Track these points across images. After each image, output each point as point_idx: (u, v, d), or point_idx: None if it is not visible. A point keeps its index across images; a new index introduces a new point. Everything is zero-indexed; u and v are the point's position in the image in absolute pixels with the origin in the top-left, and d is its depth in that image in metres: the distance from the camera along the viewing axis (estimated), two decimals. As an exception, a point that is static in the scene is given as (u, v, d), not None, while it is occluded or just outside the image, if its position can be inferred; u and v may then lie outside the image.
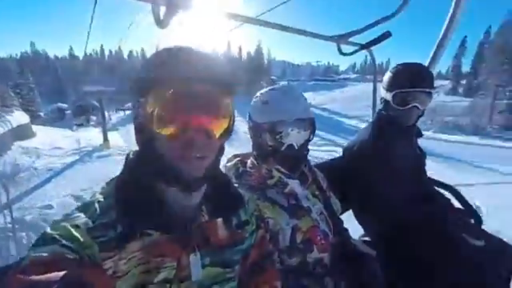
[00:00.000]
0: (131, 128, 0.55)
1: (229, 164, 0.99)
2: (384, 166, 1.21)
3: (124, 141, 12.54)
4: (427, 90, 1.19)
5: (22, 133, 10.30)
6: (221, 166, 0.66)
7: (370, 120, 1.49)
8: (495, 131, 17.13)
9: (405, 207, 1.19)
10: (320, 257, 0.89)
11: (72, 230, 0.44)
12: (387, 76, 1.28)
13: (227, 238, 0.61)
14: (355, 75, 68.50)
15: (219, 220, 0.60)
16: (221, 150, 0.56)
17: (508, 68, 19.05)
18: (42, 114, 25.21)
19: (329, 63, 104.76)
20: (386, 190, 1.20)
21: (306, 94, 0.98)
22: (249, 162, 0.98)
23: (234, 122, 0.55)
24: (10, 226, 3.36)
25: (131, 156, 0.57)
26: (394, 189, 1.20)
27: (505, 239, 1.19)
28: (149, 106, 0.47)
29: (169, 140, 0.47)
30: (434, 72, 1.52)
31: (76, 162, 7.54)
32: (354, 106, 27.54)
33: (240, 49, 55.55)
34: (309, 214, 0.91)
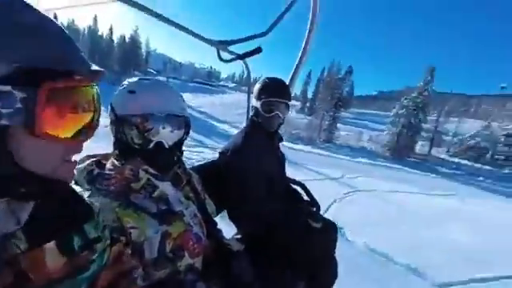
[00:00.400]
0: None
1: (79, 166, 0.78)
2: (253, 167, 1.34)
3: None
4: (287, 101, 1.44)
5: None
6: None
7: (243, 125, 1.63)
8: (321, 143, 23.76)
9: (271, 205, 1.37)
10: (192, 262, 0.84)
11: None
12: (257, 87, 1.47)
13: (63, 266, 0.44)
14: (233, 84, 74.72)
15: (49, 245, 0.43)
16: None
17: (330, 99, 27.04)
18: None
19: (211, 67, 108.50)
20: (256, 188, 1.34)
21: (185, 96, 0.92)
22: (108, 163, 0.82)
23: (98, 116, 0.44)
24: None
25: None
26: (263, 188, 1.37)
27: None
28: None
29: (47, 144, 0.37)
30: (292, 92, 1.82)
31: None
32: (229, 113, 30.08)
33: (111, 29, 47.40)
34: (181, 219, 0.84)
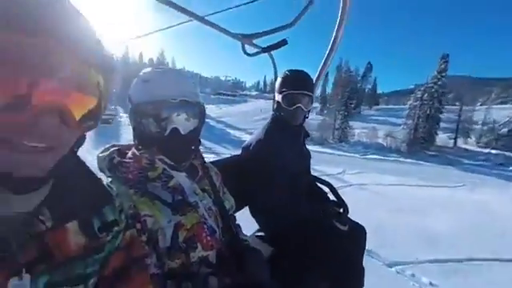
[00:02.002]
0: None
1: (102, 154, 0.82)
2: (275, 162, 1.29)
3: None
4: (310, 93, 1.35)
5: None
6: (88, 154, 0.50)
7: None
8: (334, 142, 23.96)
9: (295, 203, 1.31)
10: (205, 255, 0.83)
11: None
12: (278, 80, 1.41)
13: (83, 246, 0.46)
14: (256, 92, 76.90)
15: (72, 224, 0.44)
16: (81, 140, 0.42)
17: (340, 98, 27.17)
18: None
19: (235, 79, 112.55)
20: (279, 185, 1.29)
21: (207, 108, 0.92)
22: (130, 152, 0.85)
23: (105, 105, 0.41)
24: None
25: None
26: (285, 184, 1.31)
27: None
28: None
29: None
30: (318, 87, 1.77)
31: None
32: (246, 120, 31.42)
33: (141, 55, 53.25)
34: (195, 210, 0.84)
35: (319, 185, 1.66)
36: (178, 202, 0.82)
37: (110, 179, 0.78)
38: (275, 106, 1.47)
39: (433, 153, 21.43)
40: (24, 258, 0.38)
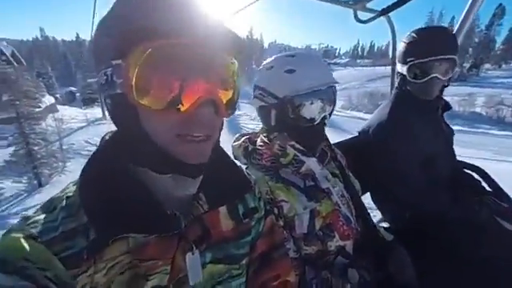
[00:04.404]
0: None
1: (236, 143, 0.88)
2: (406, 146, 1.09)
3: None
4: (451, 56, 1.03)
5: (51, 109, 15.84)
6: (224, 145, 0.54)
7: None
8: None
9: (432, 192, 1.09)
10: (342, 244, 0.79)
11: (24, 244, 0.33)
12: (401, 46, 1.13)
13: (232, 229, 0.51)
14: (346, 59, 70.74)
15: (222, 209, 0.50)
16: (222, 126, 0.45)
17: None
18: (58, 96, 30.73)
19: (327, 46, 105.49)
20: (411, 172, 1.10)
21: None
22: (258, 139, 0.87)
23: (239, 94, 0.44)
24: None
25: (106, 138, 0.46)
26: (420, 171, 1.10)
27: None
28: (131, 68, 0.33)
29: (160, 115, 0.35)
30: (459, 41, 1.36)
31: (86, 126, 12.83)
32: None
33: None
34: (329, 197, 0.81)
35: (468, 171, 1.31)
36: (311, 188, 0.80)
37: (245, 166, 0.82)
38: (399, 79, 1.19)
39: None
40: (192, 235, 0.44)
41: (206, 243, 0.46)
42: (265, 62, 0.86)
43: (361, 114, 17.91)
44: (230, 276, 0.49)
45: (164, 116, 0.36)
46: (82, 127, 13.30)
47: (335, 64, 63.53)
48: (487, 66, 35.69)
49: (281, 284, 0.58)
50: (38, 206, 0.41)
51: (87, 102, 25.05)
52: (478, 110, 19.55)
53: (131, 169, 0.41)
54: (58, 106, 19.18)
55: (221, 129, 0.45)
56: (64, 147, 9.85)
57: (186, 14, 0.35)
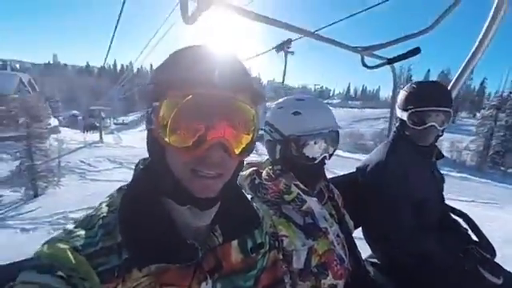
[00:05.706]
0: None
1: (243, 173, 0.93)
2: (401, 189, 1.16)
3: (113, 139, 22.30)
4: (446, 108, 1.14)
5: (54, 130, 18.13)
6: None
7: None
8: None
9: (420, 235, 1.14)
10: (335, 283, 0.84)
11: (70, 255, 0.38)
12: (402, 94, 1.24)
13: (241, 262, 0.54)
14: (338, 100, 74.77)
15: (234, 242, 0.54)
16: (239, 166, 0.50)
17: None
18: (61, 118, 32.77)
19: (322, 87, 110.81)
20: (402, 214, 1.16)
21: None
22: (264, 172, 0.93)
23: (257, 137, 0.48)
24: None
25: (140, 166, 0.52)
26: (411, 214, 1.16)
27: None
28: (162, 111, 0.40)
29: (180, 152, 0.41)
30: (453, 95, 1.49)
31: (83, 147, 14.43)
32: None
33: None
34: (326, 236, 0.86)
35: (454, 217, 1.37)
36: (309, 226, 0.85)
37: (250, 197, 0.86)
38: (398, 123, 1.29)
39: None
40: (206, 266, 0.48)
41: (218, 274, 0.49)
42: (278, 101, 0.94)
43: (340, 152, 19.64)
44: None
45: (182, 153, 0.41)
46: (79, 148, 15.32)
47: (328, 104, 66.75)
48: (463, 114, 39.18)
49: None
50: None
51: (88, 129, 26.82)
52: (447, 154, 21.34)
53: (158, 198, 0.46)
54: (60, 128, 21.03)
55: (238, 168, 0.49)
56: (62, 164, 11.10)
57: (212, 66, 0.41)
